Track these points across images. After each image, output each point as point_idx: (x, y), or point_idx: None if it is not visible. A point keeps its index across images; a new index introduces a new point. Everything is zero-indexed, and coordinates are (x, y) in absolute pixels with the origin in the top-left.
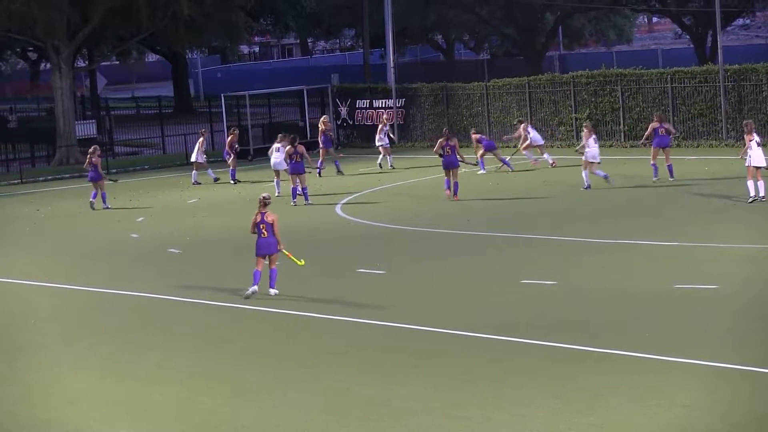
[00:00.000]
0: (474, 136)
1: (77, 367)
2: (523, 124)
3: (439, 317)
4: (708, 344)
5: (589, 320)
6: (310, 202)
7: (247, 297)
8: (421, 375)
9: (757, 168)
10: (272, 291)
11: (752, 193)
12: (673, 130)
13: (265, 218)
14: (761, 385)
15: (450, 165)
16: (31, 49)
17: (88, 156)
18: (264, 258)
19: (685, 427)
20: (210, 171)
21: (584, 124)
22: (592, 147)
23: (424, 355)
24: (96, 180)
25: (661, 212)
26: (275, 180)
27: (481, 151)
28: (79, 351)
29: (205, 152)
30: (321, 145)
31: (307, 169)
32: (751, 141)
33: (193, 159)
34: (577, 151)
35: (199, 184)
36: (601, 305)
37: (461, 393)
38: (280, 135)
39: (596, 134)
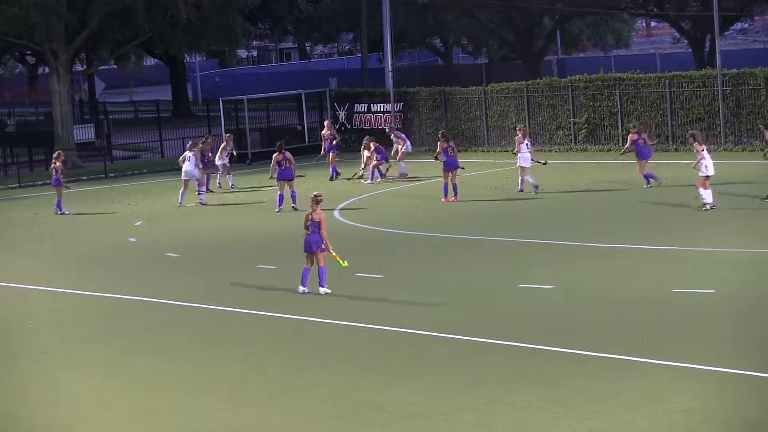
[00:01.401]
0: (372, 145)
1: (76, 371)
2: (378, 140)
3: (438, 322)
4: (707, 348)
5: (588, 324)
6: (297, 207)
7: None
8: (420, 380)
9: (707, 177)
10: (321, 290)
11: (708, 201)
12: (650, 142)
13: (313, 216)
14: (760, 389)
15: (452, 166)
16: (29, 53)
17: (53, 161)
18: (311, 256)
19: (684, 431)
20: (230, 177)
21: (518, 127)
22: (524, 152)
23: (423, 359)
24: (55, 186)
25: (656, 216)
26: (181, 190)
27: (374, 162)
28: (78, 355)
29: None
30: (324, 151)
31: (297, 174)
32: (702, 150)
33: (217, 162)
34: (513, 152)
35: (215, 189)
36: (599, 309)
37: (460, 397)
38: (191, 142)
39: (530, 139)
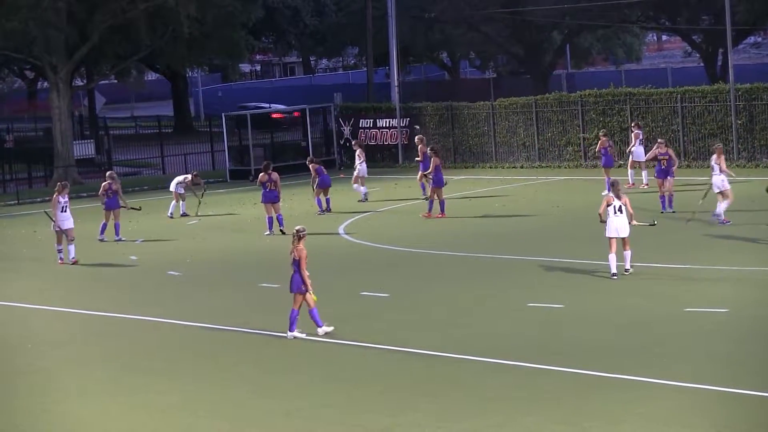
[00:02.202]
0: (312, 166)
1: (77, 392)
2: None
3: (445, 341)
4: (722, 369)
5: (599, 345)
6: (284, 230)
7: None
8: (427, 401)
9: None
10: (320, 330)
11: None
12: (615, 157)
13: (295, 252)
14: None
15: (441, 183)
16: (28, 67)
17: (107, 181)
18: (296, 297)
19: None
20: (182, 204)
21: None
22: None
23: (430, 380)
24: (112, 208)
25: (666, 234)
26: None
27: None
28: (78, 377)
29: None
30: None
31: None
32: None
33: (171, 188)
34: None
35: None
36: (610, 329)
37: (470, 420)
38: (64, 182)
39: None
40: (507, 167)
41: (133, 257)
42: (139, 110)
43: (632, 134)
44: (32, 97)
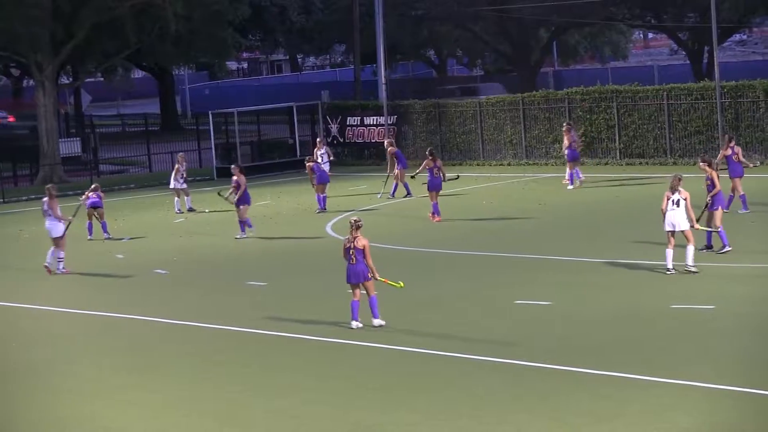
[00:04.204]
0: (309, 165)
1: (64, 391)
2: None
3: (435, 339)
4: (708, 366)
5: (587, 341)
6: (245, 235)
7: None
8: (421, 399)
9: None
10: (376, 321)
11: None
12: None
13: (355, 243)
14: (762, 407)
15: (437, 187)
16: (13, 65)
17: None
18: (357, 287)
19: None
20: (188, 199)
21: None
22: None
23: (421, 378)
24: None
25: (653, 231)
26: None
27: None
28: (65, 375)
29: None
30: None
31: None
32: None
33: (171, 185)
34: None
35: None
36: (597, 326)
37: (463, 418)
38: (48, 186)
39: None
40: (494, 164)
41: (120, 256)
42: (125, 108)
43: (566, 135)
44: (18, 94)
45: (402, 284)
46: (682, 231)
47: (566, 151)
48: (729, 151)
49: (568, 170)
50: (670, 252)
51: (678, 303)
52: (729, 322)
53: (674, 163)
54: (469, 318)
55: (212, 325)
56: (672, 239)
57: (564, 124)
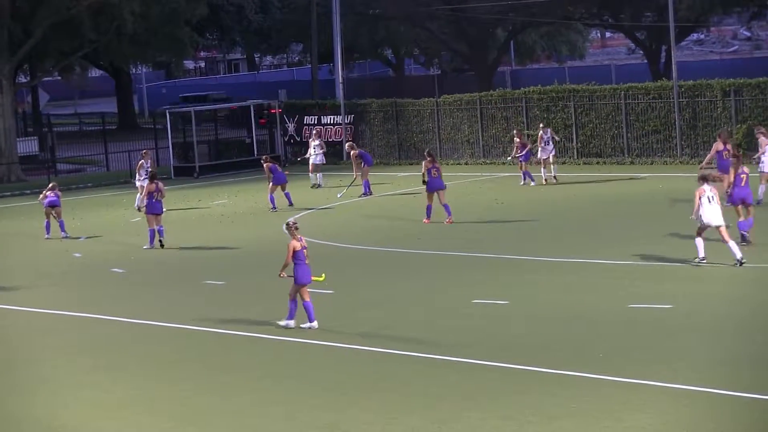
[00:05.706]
0: (266, 165)
1: (19, 391)
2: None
3: (391, 339)
4: (663, 365)
5: (543, 340)
6: (153, 246)
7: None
8: (375, 398)
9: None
10: (308, 325)
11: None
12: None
13: (303, 244)
14: (716, 406)
15: (439, 187)
16: None
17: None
18: (304, 288)
19: None
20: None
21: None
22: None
23: (375, 377)
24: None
25: (612, 231)
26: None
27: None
28: (20, 375)
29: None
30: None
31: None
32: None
33: (137, 183)
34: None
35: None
36: (553, 325)
37: (415, 416)
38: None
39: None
40: (451, 164)
41: (77, 254)
42: (82, 107)
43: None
44: None
45: (323, 277)
46: (717, 227)
47: (522, 153)
48: (721, 146)
49: (523, 170)
50: (700, 241)
51: (635, 302)
52: (685, 321)
53: (632, 163)
54: (424, 317)
55: (169, 324)
56: (704, 232)
57: (514, 131)
